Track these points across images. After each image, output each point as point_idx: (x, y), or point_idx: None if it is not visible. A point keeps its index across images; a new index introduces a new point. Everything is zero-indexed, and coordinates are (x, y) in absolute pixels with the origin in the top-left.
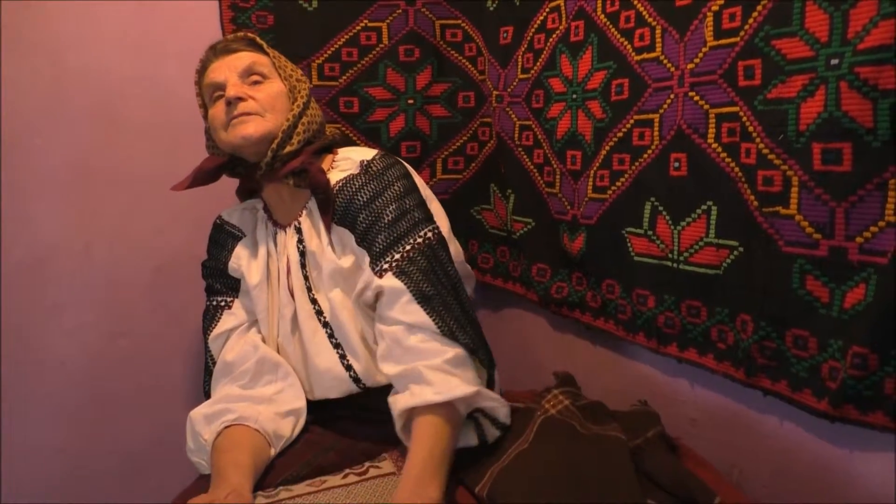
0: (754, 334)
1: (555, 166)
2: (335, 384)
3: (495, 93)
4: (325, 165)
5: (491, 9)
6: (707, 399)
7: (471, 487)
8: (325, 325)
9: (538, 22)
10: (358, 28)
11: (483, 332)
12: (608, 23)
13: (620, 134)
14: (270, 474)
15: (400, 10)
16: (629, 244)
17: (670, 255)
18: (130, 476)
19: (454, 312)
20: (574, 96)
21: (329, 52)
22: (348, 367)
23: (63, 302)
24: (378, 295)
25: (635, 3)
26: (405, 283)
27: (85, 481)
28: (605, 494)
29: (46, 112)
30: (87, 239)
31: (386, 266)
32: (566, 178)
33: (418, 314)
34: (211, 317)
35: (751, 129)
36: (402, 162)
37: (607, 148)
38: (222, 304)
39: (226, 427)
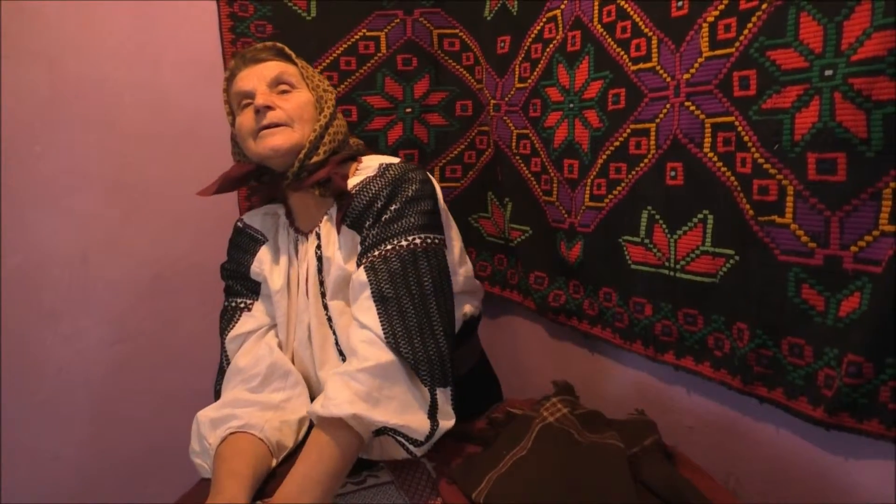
0: (750, 342)
1: (552, 175)
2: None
3: (493, 102)
4: (349, 173)
5: (488, 19)
6: (703, 407)
7: (468, 494)
8: (334, 332)
9: (535, 32)
10: (356, 37)
11: (450, 352)
12: (605, 33)
13: (617, 143)
14: (271, 483)
15: (398, 20)
16: (626, 252)
17: (667, 264)
18: (128, 482)
19: (407, 321)
20: (571, 105)
21: (327, 61)
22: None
23: (61, 309)
24: (352, 289)
25: (631, 13)
26: (369, 280)
27: (82, 488)
28: (602, 502)
29: (45, 119)
30: (85, 246)
31: (364, 261)
32: (563, 187)
33: (370, 314)
34: (229, 317)
35: (746, 138)
36: (427, 173)
37: (604, 157)
38: (241, 305)
39: (230, 433)
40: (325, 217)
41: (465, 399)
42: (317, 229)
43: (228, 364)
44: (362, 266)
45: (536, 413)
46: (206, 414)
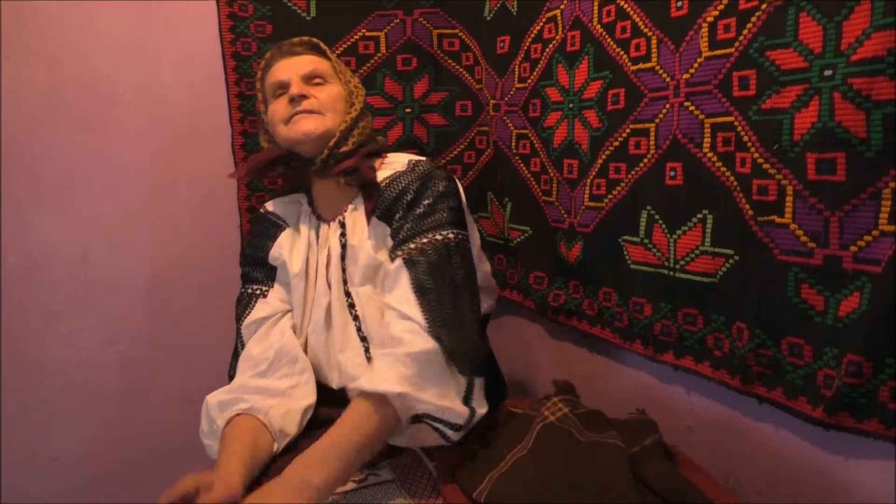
0: (750, 342)
1: (552, 175)
2: (357, 376)
3: (492, 102)
4: (375, 167)
5: (488, 19)
6: (703, 406)
7: (469, 493)
8: (356, 318)
9: (535, 32)
10: (356, 37)
11: (481, 343)
12: (604, 33)
13: (617, 143)
14: (272, 467)
15: (398, 20)
16: (626, 252)
17: (666, 264)
18: (127, 482)
19: (445, 312)
20: (571, 105)
21: None
22: (370, 360)
23: (60, 308)
24: (385, 278)
25: (631, 13)
26: (409, 272)
27: (82, 488)
28: (603, 501)
29: (44, 119)
30: (84, 245)
31: (400, 253)
32: (563, 187)
33: (411, 304)
34: (245, 304)
35: (745, 138)
36: (450, 173)
37: (604, 157)
38: (258, 292)
39: (237, 415)
40: (350, 206)
41: None
42: (341, 217)
43: (243, 348)
44: (399, 258)
45: (537, 412)
46: (216, 396)
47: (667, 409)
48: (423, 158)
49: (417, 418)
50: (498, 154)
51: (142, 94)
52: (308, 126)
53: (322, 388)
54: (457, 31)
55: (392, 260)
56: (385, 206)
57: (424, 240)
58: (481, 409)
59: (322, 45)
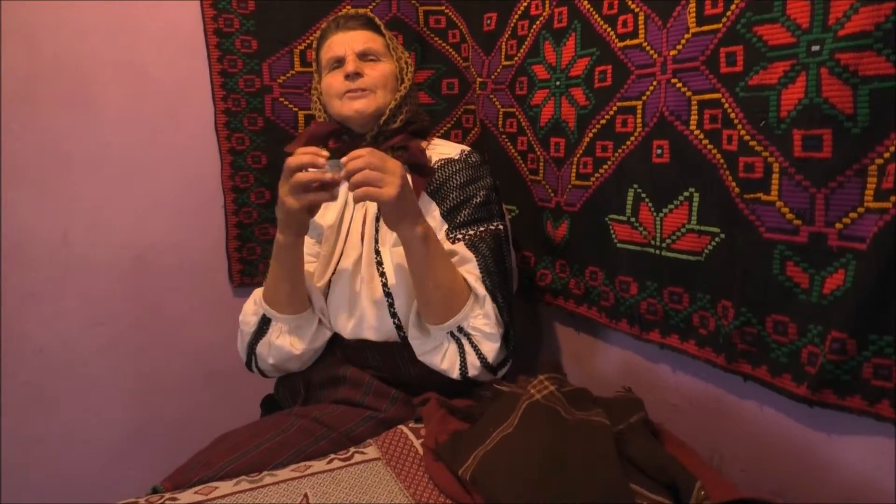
0: (735, 320)
1: (538, 153)
2: (377, 326)
3: (479, 80)
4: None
5: None
6: (688, 384)
7: (455, 470)
8: (382, 274)
9: (522, 8)
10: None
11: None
12: (591, 9)
13: (604, 121)
14: (262, 461)
15: None
16: (612, 231)
17: (653, 242)
18: (110, 465)
19: (504, 293)
20: (557, 83)
21: (310, 38)
22: (394, 315)
23: (41, 290)
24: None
25: None
26: (474, 255)
27: (63, 471)
28: (589, 478)
29: (23, 97)
30: (64, 226)
31: (460, 237)
32: (550, 166)
33: (479, 284)
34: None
35: (732, 115)
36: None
37: (590, 135)
38: None
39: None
40: None
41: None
42: None
43: None
44: (461, 241)
45: (523, 390)
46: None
47: (653, 387)
48: (470, 149)
49: (461, 330)
50: (485, 133)
51: (122, 72)
52: (361, 105)
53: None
54: (443, 7)
55: (452, 242)
56: (436, 185)
57: (482, 228)
58: (496, 377)
59: (377, 19)
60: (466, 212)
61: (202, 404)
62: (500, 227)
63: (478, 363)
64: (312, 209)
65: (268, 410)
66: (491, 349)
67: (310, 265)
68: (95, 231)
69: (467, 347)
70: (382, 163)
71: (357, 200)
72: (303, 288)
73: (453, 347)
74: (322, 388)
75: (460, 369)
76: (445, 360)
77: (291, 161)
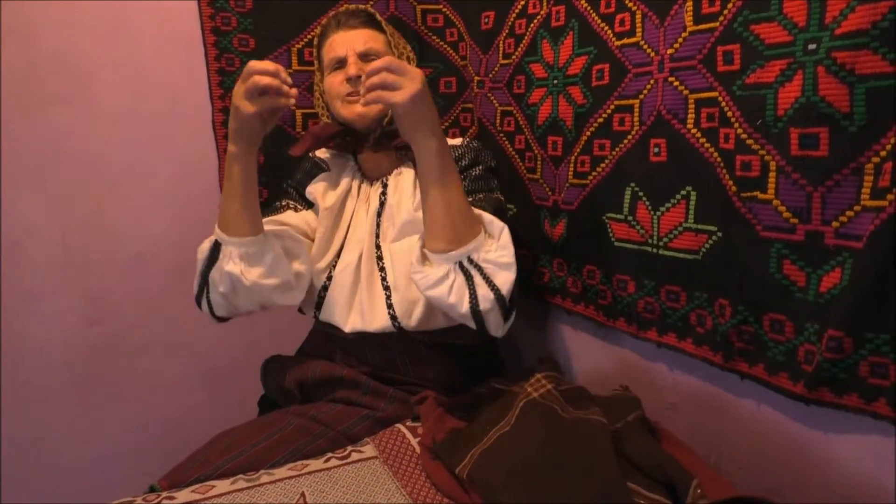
0: (732, 319)
1: (536, 152)
2: (373, 318)
3: (477, 78)
4: None
5: None
6: (686, 383)
7: (452, 469)
8: (382, 269)
9: (519, 7)
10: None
11: None
12: (589, 8)
13: (601, 120)
14: (259, 460)
15: None
16: (609, 230)
17: (650, 241)
18: (109, 463)
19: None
20: (555, 82)
21: (308, 36)
22: (390, 306)
23: (40, 288)
24: None
25: None
26: (480, 211)
27: (63, 469)
28: (586, 476)
29: (21, 96)
30: (63, 224)
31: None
32: (547, 164)
33: (494, 218)
34: (274, 209)
35: (729, 114)
36: None
37: (588, 133)
38: (290, 206)
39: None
40: (396, 171)
41: (476, 369)
42: (384, 179)
43: None
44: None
45: (521, 389)
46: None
47: (650, 385)
48: (472, 138)
49: (472, 262)
50: (482, 131)
51: (120, 71)
52: (363, 109)
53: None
54: (440, 6)
55: None
56: None
57: (481, 195)
58: (505, 323)
59: (378, 16)
60: (465, 183)
61: (200, 403)
62: (501, 197)
63: (490, 295)
64: (267, 121)
65: (265, 409)
66: (506, 280)
67: (296, 218)
68: (94, 229)
69: (477, 279)
70: (402, 68)
71: (368, 103)
72: (254, 208)
73: (461, 279)
74: (318, 389)
75: (470, 302)
76: (453, 292)
77: (253, 64)
